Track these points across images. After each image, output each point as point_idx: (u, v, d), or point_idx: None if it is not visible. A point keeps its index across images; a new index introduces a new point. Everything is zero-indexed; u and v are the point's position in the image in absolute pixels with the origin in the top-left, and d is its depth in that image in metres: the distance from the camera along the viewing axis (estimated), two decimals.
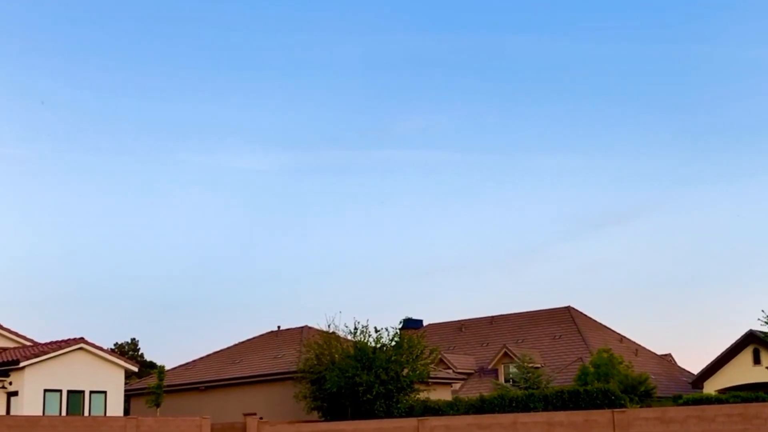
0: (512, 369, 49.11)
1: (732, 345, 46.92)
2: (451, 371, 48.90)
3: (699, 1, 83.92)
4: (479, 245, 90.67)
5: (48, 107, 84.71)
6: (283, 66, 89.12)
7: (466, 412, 32.09)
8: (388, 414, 32.95)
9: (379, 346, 34.89)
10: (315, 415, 35.46)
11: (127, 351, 67.11)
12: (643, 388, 42.37)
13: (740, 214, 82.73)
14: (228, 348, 46.19)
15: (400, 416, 32.42)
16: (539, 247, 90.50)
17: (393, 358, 34.35)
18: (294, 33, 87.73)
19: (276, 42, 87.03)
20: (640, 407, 33.36)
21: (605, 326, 57.28)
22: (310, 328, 42.37)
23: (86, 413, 33.69)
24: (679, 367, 57.80)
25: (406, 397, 34.42)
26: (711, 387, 45.88)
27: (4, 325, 37.81)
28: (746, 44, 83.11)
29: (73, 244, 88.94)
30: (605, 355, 43.08)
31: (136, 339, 70.64)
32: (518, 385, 42.14)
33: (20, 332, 38.14)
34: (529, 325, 56.96)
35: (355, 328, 35.61)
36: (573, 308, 56.70)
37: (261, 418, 32.69)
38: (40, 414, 31.91)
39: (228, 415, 35.86)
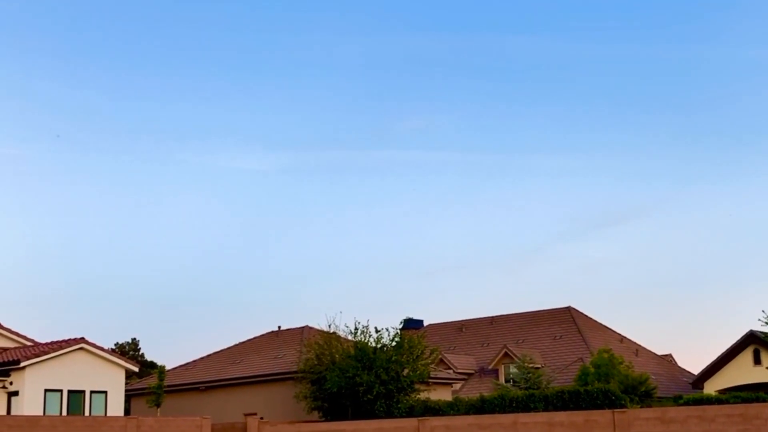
0: (513, 369, 49.10)
1: (732, 345, 46.91)
2: (451, 371, 48.90)
3: (699, 1, 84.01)
4: (479, 245, 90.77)
5: (48, 107, 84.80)
6: (283, 66, 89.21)
7: (467, 413, 32.09)
8: (389, 414, 32.95)
9: (379, 346, 34.89)
10: (315, 415, 35.46)
11: (128, 351, 67.11)
12: (643, 389, 42.37)
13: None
14: (228, 348, 46.20)
15: (401, 416, 32.42)
16: (539, 247, 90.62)
17: (393, 359, 34.36)
18: (294, 33, 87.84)
19: (276, 42, 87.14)
20: (641, 407, 33.35)
21: (606, 326, 57.28)
22: (310, 328, 42.37)
23: (87, 413, 33.70)
24: (679, 367, 57.78)
25: (407, 398, 34.43)
26: (711, 387, 45.87)
27: (5, 325, 37.82)
28: (746, 44, 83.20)
29: (74, 244, 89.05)
30: (606, 355, 43.08)
31: (137, 339, 70.73)
32: (519, 386, 42.14)
33: (21, 332, 38.15)
34: (529, 325, 56.95)
35: (356, 328, 35.65)
36: (573, 308, 56.70)
37: (261, 418, 32.71)
38: (41, 414, 31.92)
39: (228, 415, 35.87)
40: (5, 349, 35.79)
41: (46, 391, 33.14)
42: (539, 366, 47.38)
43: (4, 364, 33.15)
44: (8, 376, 32.96)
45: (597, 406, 30.10)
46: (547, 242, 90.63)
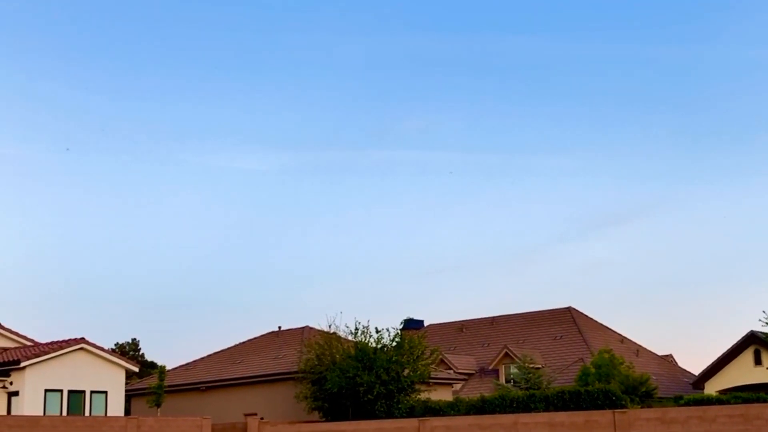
0: (513, 369, 49.08)
1: (733, 346, 46.87)
2: (451, 372, 48.87)
3: (699, 1, 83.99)
4: (479, 245, 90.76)
5: (48, 108, 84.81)
6: (283, 66, 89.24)
7: (467, 413, 32.08)
8: (389, 414, 32.94)
9: (380, 346, 34.87)
10: (316, 415, 35.45)
11: (128, 351, 67.08)
12: (644, 389, 42.35)
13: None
14: (229, 348, 46.19)
15: (401, 416, 32.41)
16: (540, 247, 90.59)
17: (394, 359, 34.34)
18: (294, 33, 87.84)
19: (276, 42, 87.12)
20: (641, 408, 33.33)
21: (606, 327, 57.27)
22: (311, 328, 42.36)
23: (87, 413, 33.70)
24: (680, 367, 57.75)
25: (407, 398, 34.41)
26: (712, 388, 45.83)
27: (5, 325, 37.82)
28: (746, 44, 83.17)
29: (74, 243, 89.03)
30: (606, 355, 43.06)
31: (137, 339, 70.66)
32: (519, 386, 42.12)
33: (21, 332, 38.16)
34: (530, 325, 56.93)
35: (356, 329, 35.63)
36: (574, 309, 56.69)
37: (262, 419, 32.72)
38: (41, 414, 31.92)
39: (229, 416, 35.86)
40: (5, 349, 35.78)
41: (46, 391, 33.13)
42: (540, 366, 47.36)
43: (4, 364, 33.14)
44: (8, 376, 32.95)
45: (598, 406, 30.07)
46: (547, 242, 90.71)
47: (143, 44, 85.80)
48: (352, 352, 34.67)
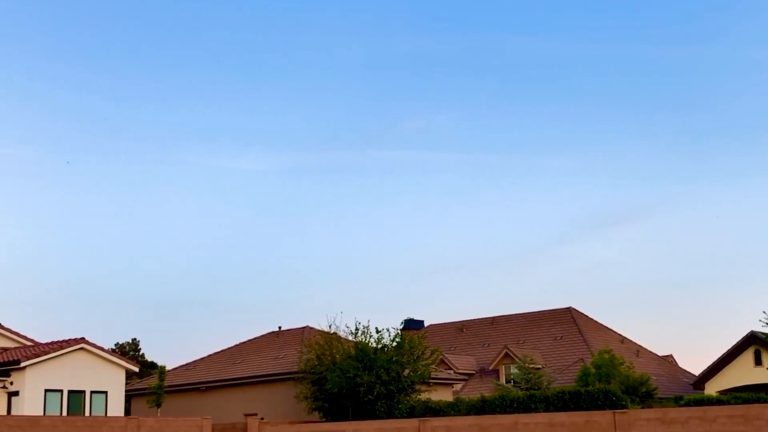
0: (513, 370, 49.08)
1: (733, 346, 46.88)
2: (452, 372, 48.87)
3: (699, 1, 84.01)
4: (479, 245, 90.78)
5: (49, 108, 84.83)
6: (283, 67, 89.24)
7: (467, 413, 32.07)
8: (389, 414, 32.93)
9: (380, 346, 34.86)
10: (316, 415, 35.44)
11: (128, 351, 67.07)
12: (644, 389, 42.34)
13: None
14: (229, 348, 46.18)
15: (402, 417, 32.42)
16: (540, 247, 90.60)
17: (394, 359, 34.33)
18: (294, 34, 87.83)
19: (276, 43, 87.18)
20: (642, 408, 33.32)
21: (606, 327, 57.26)
22: (311, 328, 42.35)
23: (87, 413, 33.69)
24: (680, 368, 57.74)
25: (407, 398, 34.40)
26: (712, 388, 45.83)
27: (5, 325, 37.82)
28: (746, 44, 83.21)
29: (74, 244, 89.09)
30: (606, 356, 43.05)
31: (137, 339, 70.66)
32: (519, 386, 42.12)
33: (21, 332, 38.16)
34: (530, 325, 56.92)
35: (356, 329, 35.63)
36: (574, 309, 56.68)
37: (262, 419, 32.72)
38: (41, 414, 31.90)
39: (229, 416, 35.85)
40: (5, 349, 35.77)
41: (46, 391, 33.11)
42: (540, 366, 47.35)
43: (4, 364, 33.13)
44: (8, 376, 32.94)
45: (598, 406, 30.06)
46: (547, 242, 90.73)
47: (143, 45, 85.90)
48: (353, 352, 34.67)
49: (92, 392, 34.35)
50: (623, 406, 29.87)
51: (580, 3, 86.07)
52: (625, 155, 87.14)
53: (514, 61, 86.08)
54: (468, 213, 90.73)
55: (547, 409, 30.97)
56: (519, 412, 30.22)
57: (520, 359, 46.60)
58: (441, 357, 48.19)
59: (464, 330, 60.22)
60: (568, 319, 55.53)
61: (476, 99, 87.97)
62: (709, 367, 47.61)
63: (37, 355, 33.28)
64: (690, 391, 45.98)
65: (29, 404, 32.34)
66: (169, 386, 38.01)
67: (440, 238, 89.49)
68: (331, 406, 34.90)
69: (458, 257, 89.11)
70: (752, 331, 45.32)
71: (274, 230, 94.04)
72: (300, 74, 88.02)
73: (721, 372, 46.81)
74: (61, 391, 33.51)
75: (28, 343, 37.34)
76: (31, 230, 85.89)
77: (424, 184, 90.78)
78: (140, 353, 69.29)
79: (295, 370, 36.83)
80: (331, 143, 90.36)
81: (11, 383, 32.95)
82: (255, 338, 46.38)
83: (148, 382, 41.15)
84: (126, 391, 37.21)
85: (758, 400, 33.50)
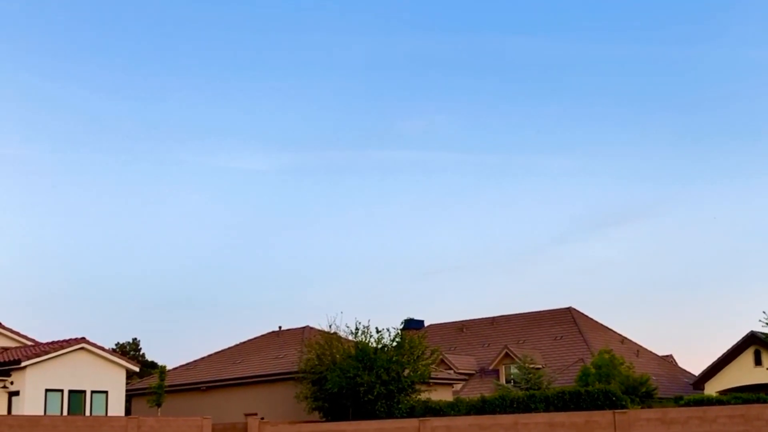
0: (513, 370, 49.10)
1: (733, 346, 46.89)
2: (452, 372, 48.89)
3: (699, 1, 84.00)
4: (479, 245, 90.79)
5: (48, 107, 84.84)
6: (284, 66, 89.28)
7: (467, 413, 32.09)
8: (390, 414, 32.94)
9: (380, 346, 34.87)
10: (316, 415, 35.45)
11: (129, 351, 67.10)
12: (644, 389, 42.36)
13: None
14: (229, 348, 46.20)
15: (402, 417, 32.42)
16: (540, 247, 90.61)
17: (394, 359, 34.35)
18: (294, 33, 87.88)
19: (276, 42, 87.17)
20: (642, 408, 33.34)
21: (606, 327, 57.27)
22: (311, 328, 42.37)
23: (87, 413, 33.71)
24: (680, 368, 57.75)
25: (407, 398, 34.42)
26: (712, 388, 45.85)
27: (6, 325, 37.83)
28: (746, 44, 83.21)
29: (74, 243, 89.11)
30: (606, 356, 43.07)
31: (138, 339, 70.69)
32: (519, 386, 42.14)
33: (21, 332, 38.17)
34: (530, 325, 56.94)
35: (357, 329, 35.64)
36: (574, 309, 56.69)
37: (262, 419, 32.73)
38: (42, 414, 31.92)
39: (229, 416, 35.87)
40: (6, 349, 35.80)
41: (46, 390, 33.14)
42: (540, 366, 47.37)
43: (4, 363, 33.16)
44: (9, 375, 32.96)
45: (598, 406, 30.09)
46: (547, 243, 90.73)
47: (144, 44, 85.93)
48: (353, 352, 34.68)
49: (93, 392, 34.38)
50: (623, 406, 29.89)
51: (580, 3, 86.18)
52: (625, 155, 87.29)
53: (514, 61, 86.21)
54: (468, 213, 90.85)
55: (547, 409, 30.99)
56: (519, 412, 30.24)
57: (520, 359, 46.61)
58: (441, 357, 48.21)
59: (464, 330, 60.24)
60: (568, 319, 55.55)
61: (476, 99, 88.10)
62: (709, 367, 47.63)
63: (37, 355, 33.31)
64: (690, 391, 46.00)
65: (30, 404, 32.37)
66: (170, 386, 38.04)
67: (440, 238, 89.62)
68: (331, 406, 34.92)
69: (458, 257, 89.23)
70: (752, 331, 45.34)
71: (274, 230, 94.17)
72: (300, 74, 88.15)
73: (721, 372, 46.83)
74: (61, 390, 33.54)
75: (29, 343, 37.36)
76: (31, 230, 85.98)
77: (424, 184, 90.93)
78: (140, 353, 69.32)
79: (295, 369, 36.85)
80: (332, 143, 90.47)
81: (12, 383, 32.97)
82: (255, 338, 46.40)
83: (148, 382, 41.17)
84: (126, 390, 37.24)
85: (758, 401, 33.52)
